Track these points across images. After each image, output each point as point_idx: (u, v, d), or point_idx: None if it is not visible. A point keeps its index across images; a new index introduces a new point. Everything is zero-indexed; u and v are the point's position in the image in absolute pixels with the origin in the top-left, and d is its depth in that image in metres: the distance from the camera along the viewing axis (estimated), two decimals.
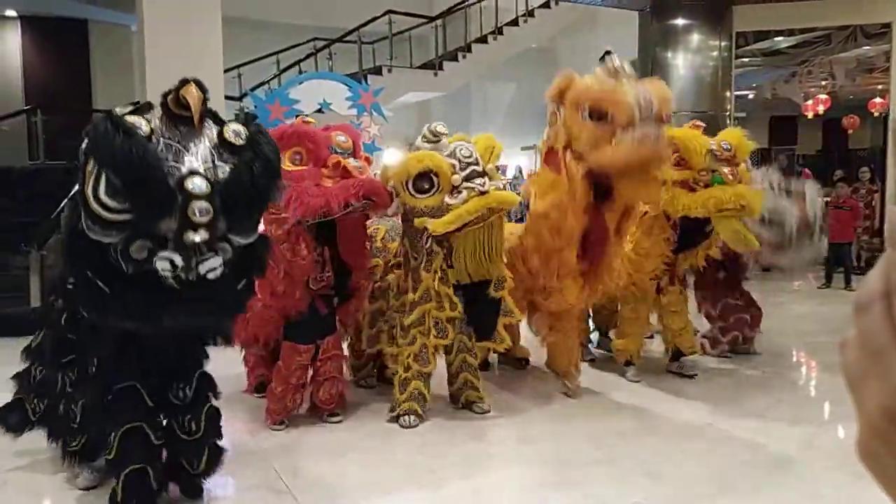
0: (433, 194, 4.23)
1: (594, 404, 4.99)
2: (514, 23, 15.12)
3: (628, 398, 5.12)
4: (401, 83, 13.63)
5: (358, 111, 6.94)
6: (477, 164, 4.27)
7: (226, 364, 5.26)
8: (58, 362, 3.72)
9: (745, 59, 13.65)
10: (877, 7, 10.92)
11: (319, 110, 7.00)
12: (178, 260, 2.64)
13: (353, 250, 4.48)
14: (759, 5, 10.88)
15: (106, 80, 12.94)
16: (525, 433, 4.45)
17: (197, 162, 2.77)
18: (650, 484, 3.68)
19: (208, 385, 3.51)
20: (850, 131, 18.23)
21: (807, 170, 16.78)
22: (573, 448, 4.18)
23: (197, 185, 2.68)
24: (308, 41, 14.33)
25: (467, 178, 4.21)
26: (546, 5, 14.83)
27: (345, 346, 5.30)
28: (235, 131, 2.87)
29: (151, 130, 2.73)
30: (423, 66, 14.70)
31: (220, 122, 2.93)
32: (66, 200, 3.27)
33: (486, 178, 4.24)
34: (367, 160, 4.84)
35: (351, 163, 4.32)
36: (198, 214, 2.65)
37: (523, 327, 5.77)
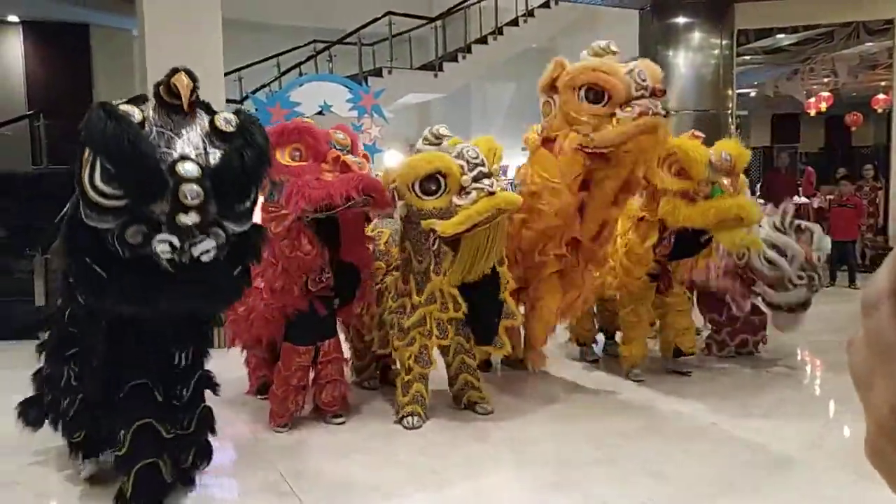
0: (440, 196, 4.22)
1: (596, 404, 4.99)
2: (514, 23, 15.11)
3: (630, 398, 5.11)
4: (401, 84, 13.63)
5: (359, 113, 6.95)
6: (483, 165, 4.27)
7: (228, 366, 5.27)
8: (62, 356, 3.80)
9: (747, 57, 13.63)
10: (879, 3, 10.90)
11: (320, 112, 7.01)
12: (176, 242, 2.71)
13: (354, 249, 4.47)
14: (760, 3, 10.86)
15: (108, 84, 12.94)
16: (527, 434, 4.44)
17: (188, 148, 2.85)
18: (653, 484, 3.67)
19: (206, 385, 3.61)
20: (853, 128, 18.21)
21: (809, 168, 16.79)
22: (575, 448, 4.17)
23: (188, 169, 2.75)
24: (308, 43, 14.33)
25: (475, 179, 4.21)
26: (546, 5, 14.82)
27: (346, 347, 5.31)
28: (226, 119, 2.96)
29: (144, 118, 2.82)
30: (423, 68, 14.70)
31: (211, 112, 3.01)
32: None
33: (493, 179, 4.24)
34: (366, 157, 4.85)
35: (350, 158, 4.33)
36: (189, 197, 2.71)
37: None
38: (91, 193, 2.71)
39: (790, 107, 18.52)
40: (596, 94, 4.30)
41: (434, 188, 4.22)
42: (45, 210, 8.12)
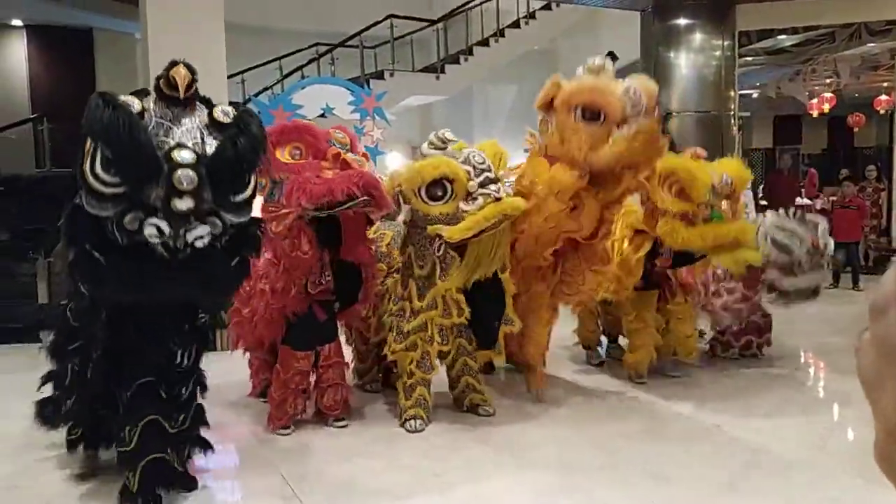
0: (447, 201, 4.21)
1: (600, 407, 4.98)
2: (516, 25, 15.11)
3: (633, 401, 5.11)
4: (403, 87, 13.64)
5: (360, 115, 6.95)
6: (490, 170, 4.26)
7: (231, 369, 5.29)
8: (65, 354, 3.87)
9: (749, 58, 13.61)
10: (881, 4, 10.88)
11: (322, 115, 7.01)
12: (165, 227, 2.80)
13: (356, 250, 4.46)
14: (762, 4, 10.85)
15: (111, 88, 12.63)
16: (530, 436, 4.44)
17: (186, 138, 2.95)
18: (656, 487, 3.67)
19: (200, 383, 3.69)
20: (856, 129, 18.18)
21: (812, 169, 16.77)
22: (578, 451, 4.17)
23: (183, 155, 2.84)
24: (310, 46, 14.34)
25: (482, 185, 4.20)
26: (547, 7, 14.82)
27: (349, 350, 5.32)
28: (224, 111, 3.07)
29: (143, 109, 2.94)
30: (425, 70, 14.71)
31: (210, 106, 3.11)
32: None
33: (499, 185, 4.23)
34: (365, 156, 4.85)
35: (350, 156, 4.33)
36: (184, 182, 2.79)
37: None
38: (91, 181, 2.81)
39: (792, 108, 18.49)
40: (592, 113, 4.31)
41: (440, 193, 4.22)
42: (49, 213, 8.16)
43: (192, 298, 3.24)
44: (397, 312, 4.56)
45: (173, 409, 3.50)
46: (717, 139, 10.20)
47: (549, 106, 4.55)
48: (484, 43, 14.97)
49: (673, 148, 6.23)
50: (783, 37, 13.26)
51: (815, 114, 16.91)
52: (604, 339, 6.41)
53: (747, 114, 18.30)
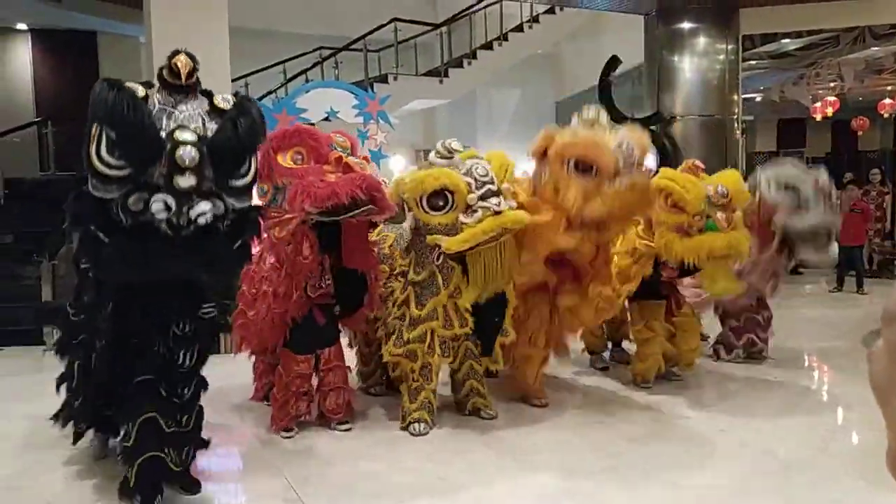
0: (447, 212, 4.21)
1: (603, 411, 4.98)
2: (519, 29, 15.12)
3: (638, 405, 5.10)
4: (406, 91, 13.65)
5: (364, 119, 6.96)
6: (492, 183, 4.25)
7: (235, 372, 5.29)
8: (69, 347, 4.05)
9: (753, 62, 13.61)
10: (885, 8, 10.86)
11: (326, 118, 7.03)
12: (171, 201, 2.87)
13: (359, 256, 4.45)
14: (765, 8, 10.85)
15: None
16: (534, 440, 4.43)
17: (187, 121, 3.05)
18: (660, 490, 3.66)
19: (202, 385, 3.70)
20: (860, 133, 18.16)
21: None
22: (582, 455, 4.16)
23: (185, 136, 2.95)
24: (314, 50, 14.37)
25: (482, 198, 4.19)
26: (551, 11, 14.82)
27: (352, 353, 5.32)
28: (224, 98, 3.17)
29: (147, 95, 3.03)
30: (429, 74, 14.71)
31: (211, 96, 3.20)
32: None
33: (501, 198, 4.22)
34: (366, 159, 4.85)
35: (353, 160, 4.33)
36: (185, 160, 2.89)
37: None
38: (97, 165, 2.90)
39: (796, 111, 18.46)
40: (584, 166, 4.37)
41: (441, 204, 4.22)
42: (53, 216, 8.18)
43: (195, 278, 3.27)
44: (400, 316, 4.56)
45: (175, 409, 3.52)
46: (721, 143, 10.20)
47: (543, 155, 4.63)
48: (487, 47, 14.98)
49: (677, 152, 6.26)
50: (787, 40, 13.26)
51: (818, 118, 16.88)
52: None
53: (751, 117, 18.29)
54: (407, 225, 4.74)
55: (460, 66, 14.70)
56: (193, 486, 3.67)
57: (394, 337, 4.55)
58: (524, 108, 18.12)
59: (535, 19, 15.07)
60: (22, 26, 13.16)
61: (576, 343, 6.30)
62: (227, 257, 3.15)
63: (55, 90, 13.06)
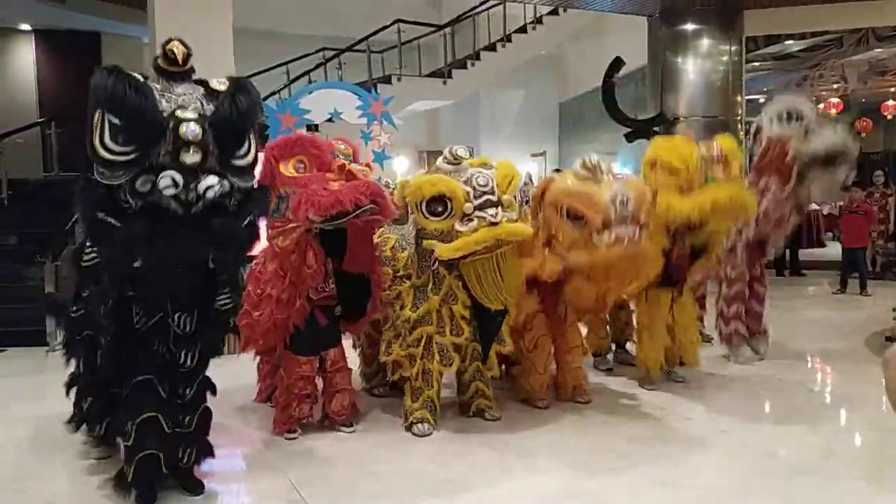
0: (445, 218, 4.21)
1: (607, 412, 4.97)
2: (523, 30, 15.14)
3: (641, 406, 5.10)
4: (410, 91, 13.67)
5: (368, 120, 6.97)
6: (492, 193, 4.24)
7: (240, 373, 5.30)
8: (74, 342, 4.11)
9: (756, 64, 13.62)
10: (888, 9, 10.86)
11: (330, 119, 7.03)
12: (179, 178, 2.93)
13: (359, 260, 4.45)
14: (769, 9, 10.85)
15: None
16: (537, 441, 4.43)
17: (186, 103, 3.13)
18: (664, 492, 3.66)
19: (206, 385, 3.73)
20: (863, 135, 18.16)
21: None
22: (587, 457, 4.16)
23: (186, 113, 3.03)
24: (318, 51, 14.39)
25: (480, 207, 4.18)
26: (554, 12, 14.83)
27: (355, 353, 5.32)
28: (219, 81, 3.23)
29: (146, 78, 3.10)
30: (432, 75, 14.74)
31: (206, 82, 3.26)
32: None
33: (499, 209, 4.21)
34: (369, 165, 4.85)
35: (355, 167, 4.33)
36: (189, 135, 2.96)
37: None
38: (102, 153, 2.96)
39: None
40: (576, 216, 4.43)
41: (440, 210, 4.21)
42: (56, 217, 8.20)
43: (205, 256, 3.25)
44: (405, 319, 4.57)
45: (177, 409, 3.55)
46: None
47: (541, 197, 4.73)
48: (491, 48, 15.00)
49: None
50: (790, 42, 13.27)
51: None
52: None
53: (754, 119, 18.29)
54: (408, 229, 4.74)
55: (464, 67, 14.72)
56: (196, 486, 3.69)
57: (399, 339, 4.56)
58: (527, 109, 18.15)
59: (538, 20, 15.09)
60: (25, 27, 13.19)
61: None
62: (236, 234, 3.17)
63: (58, 91, 13.08)
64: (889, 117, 16.24)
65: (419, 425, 4.50)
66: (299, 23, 15.46)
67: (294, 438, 4.49)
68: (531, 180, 16.37)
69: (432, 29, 15.10)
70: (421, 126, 17.57)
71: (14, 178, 10.42)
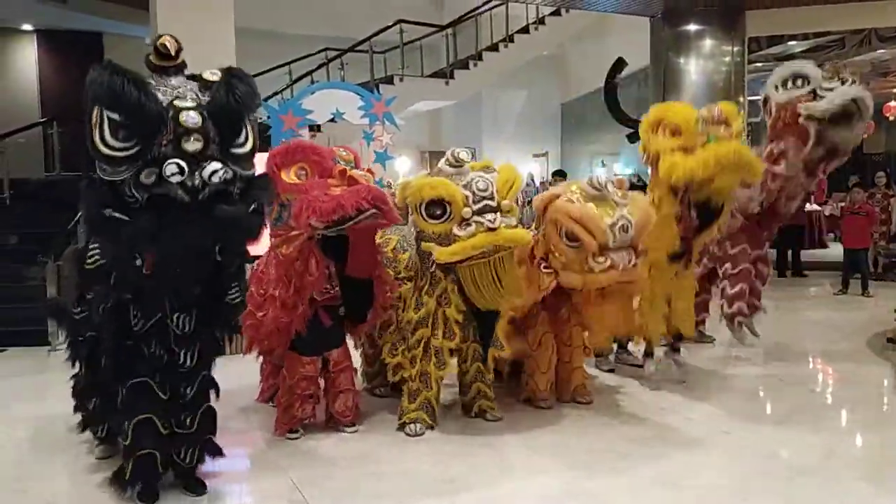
0: (444, 221, 4.21)
1: (608, 413, 4.97)
2: (525, 30, 15.14)
3: (643, 406, 5.09)
4: (412, 92, 13.68)
5: (370, 120, 6.96)
6: (492, 198, 4.23)
7: (241, 373, 5.30)
8: (75, 339, 4.13)
9: (759, 64, 13.60)
10: (891, 10, 10.85)
11: (332, 120, 7.03)
12: (184, 164, 2.94)
13: (362, 265, 4.43)
14: (772, 10, 10.84)
15: None
16: (540, 442, 4.43)
17: (183, 94, 3.14)
18: (665, 493, 3.66)
19: (209, 385, 3.72)
20: (865, 136, 18.11)
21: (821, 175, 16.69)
22: (588, 457, 4.16)
23: (184, 102, 3.06)
24: (320, 51, 14.41)
25: (479, 212, 4.17)
26: (557, 13, 14.84)
27: (357, 353, 5.31)
28: (212, 71, 3.25)
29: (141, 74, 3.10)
30: (435, 75, 14.75)
31: (199, 76, 3.28)
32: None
33: (498, 214, 4.20)
34: (371, 171, 4.84)
35: (357, 172, 4.32)
36: (189, 122, 2.99)
37: None
38: (103, 149, 2.96)
39: None
40: (574, 238, 4.43)
41: (439, 213, 4.20)
42: (58, 217, 8.19)
43: (213, 243, 3.25)
44: (407, 321, 4.57)
45: (176, 410, 3.56)
46: None
47: (544, 212, 4.72)
48: (493, 48, 15.00)
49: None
50: (793, 43, 13.25)
51: None
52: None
53: (757, 119, 18.26)
54: (409, 230, 4.74)
55: (466, 67, 14.73)
56: (199, 486, 3.69)
57: (403, 341, 4.58)
58: (530, 110, 18.16)
59: (540, 21, 15.09)
60: (27, 27, 13.22)
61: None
62: (243, 220, 3.16)
63: (60, 91, 13.11)
64: (891, 118, 16.21)
65: (412, 425, 4.51)
66: (301, 23, 15.48)
67: (296, 438, 4.50)
68: (533, 181, 16.45)
69: (434, 29, 15.11)
70: (423, 126, 17.59)
71: (16, 178, 10.42)
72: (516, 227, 4.28)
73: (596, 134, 16.17)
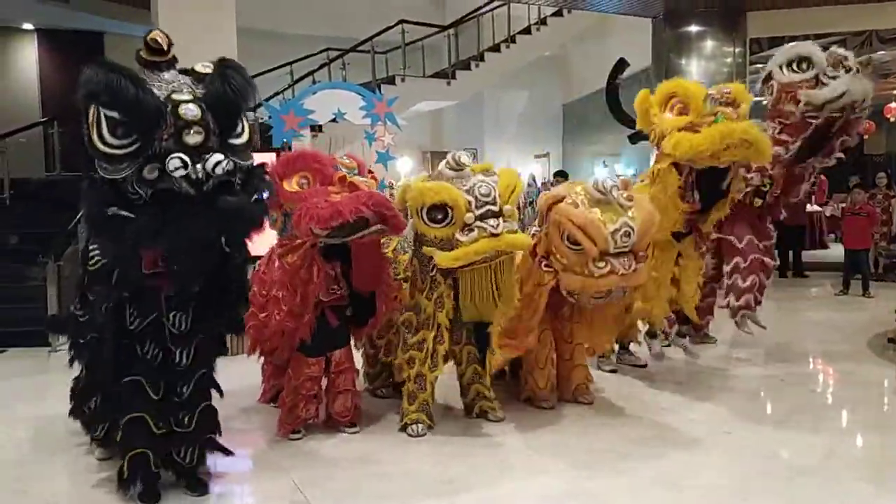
0: (445, 226, 4.20)
1: (609, 413, 4.97)
2: (527, 31, 15.15)
3: (644, 407, 5.09)
4: (414, 92, 13.68)
5: (372, 120, 6.96)
6: (494, 203, 4.21)
7: (243, 373, 5.30)
8: (76, 341, 4.12)
9: (760, 66, 13.58)
10: (892, 12, 10.86)
11: (334, 120, 7.03)
12: (186, 158, 2.94)
13: (368, 278, 4.41)
14: (773, 11, 10.85)
15: None
16: (541, 442, 4.43)
17: (178, 87, 3.15)
18: (666, 493, 3.66)
19: (209, 384, 3.73)
20: (866, 137, 18.11)
21: (822, 176, 16.70)
22: (589, 457, 4.16)
23: (182, 96, 3.06)
24: (321, 51, 14.41)
25: (481, 218, 4.15)
26: (559, 13, 14.84)
27: (358, 354, 5.31)
28: (203, 64, 3.26)
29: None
30: (436, 75, 14.75)
31: (191, 70, 3.28)
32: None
33: (500, 220, 4.19)
34: (374, 178, 4.83)
35: (358, 179, 4.31)
36: (188, 115, 3.00)
37: None
38: (103, 148, 2.97)
39: None
40: (576, 242, 4.40)
41: (441, 217, 4.18)
42: (58, 217, 8.19)
43: (218, 235, 3.22)
44: (406, 322, 4.57)
45: (172, 409, 3.56)
46: None
47: (548, 212, 4.66)
48: (495, 49, 15.01)
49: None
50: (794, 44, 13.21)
51: None
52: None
53: (758, 121, 18.28)
54: (408, 231, 4.73)
55: (468, 67, 14.73)
56: (200, 486, 3.68)
57: (403, 343, 4.59)
58: (531, 110, 18.16)
59: (542, 22, 15.10)
60: (28, 26, 13.22)
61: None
62: (246, 210, 3.16)
63: (61, 90, 13.07)
64: (892, 120, 16.19)
65: (413, 426, 4.51)
66: (303, 23, 15.49)
67: (298, 439, 4.50)
68: (534, 181, 16.45)
69: (436, 30, 15.10)
70: (425, 127, 17.58)
71: (16, 178, 10.41)
72: (517, 231, 4.29)
73: (598, 135, 16.16)
